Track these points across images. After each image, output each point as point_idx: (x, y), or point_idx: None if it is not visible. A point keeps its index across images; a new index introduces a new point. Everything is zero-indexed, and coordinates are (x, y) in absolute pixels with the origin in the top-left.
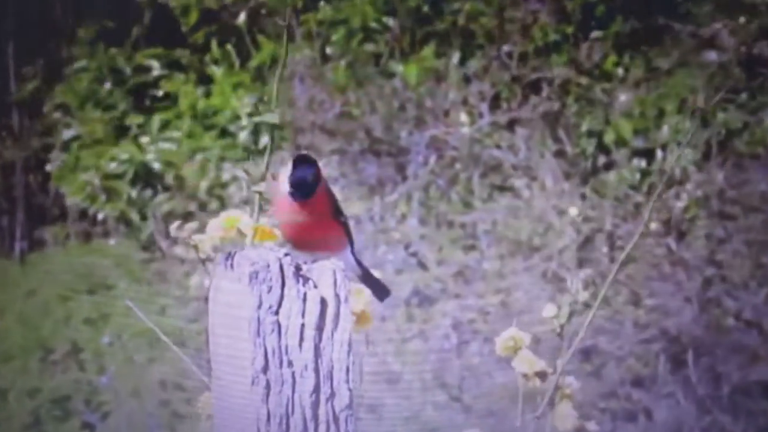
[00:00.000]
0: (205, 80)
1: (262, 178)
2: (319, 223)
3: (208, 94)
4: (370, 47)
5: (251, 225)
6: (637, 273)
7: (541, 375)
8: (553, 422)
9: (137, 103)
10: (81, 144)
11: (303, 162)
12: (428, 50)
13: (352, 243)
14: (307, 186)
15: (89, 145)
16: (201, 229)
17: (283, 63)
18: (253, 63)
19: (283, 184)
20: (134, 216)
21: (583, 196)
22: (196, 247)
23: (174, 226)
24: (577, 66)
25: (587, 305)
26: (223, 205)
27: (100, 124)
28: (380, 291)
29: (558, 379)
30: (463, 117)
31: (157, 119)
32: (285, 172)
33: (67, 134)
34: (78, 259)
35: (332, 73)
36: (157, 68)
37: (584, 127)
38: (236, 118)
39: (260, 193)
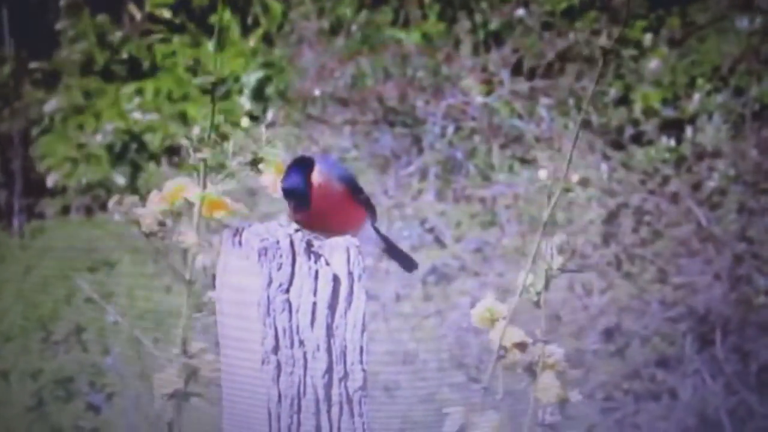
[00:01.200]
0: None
1: (207, 144)
2: (334, 211)
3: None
4: (378, 16)
5: (199, 194)
6: (665, 249)
7: (521, 346)
8: (535, 393)
9: (131, 71)
10: (64, 116)
11: (293, 168)
12: (433, 13)
13: (374, 217)
14: (296, 196)
15: (73, 116)
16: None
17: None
18: (258, 31)
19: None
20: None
21: (611, 169)
22: (137, 223)
23: (113, 200)
24: (604, 30)
25: (562, 270)
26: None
27: (87, 93)
28: (407, 263)
29: (539, 349)
30: (482, 85)
31: (150, 87)
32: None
33: (49, 106)
34: (79, 234)
35: (343, 39)
36: (160, 30)
37: (611, 96)
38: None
39: (205, 160)
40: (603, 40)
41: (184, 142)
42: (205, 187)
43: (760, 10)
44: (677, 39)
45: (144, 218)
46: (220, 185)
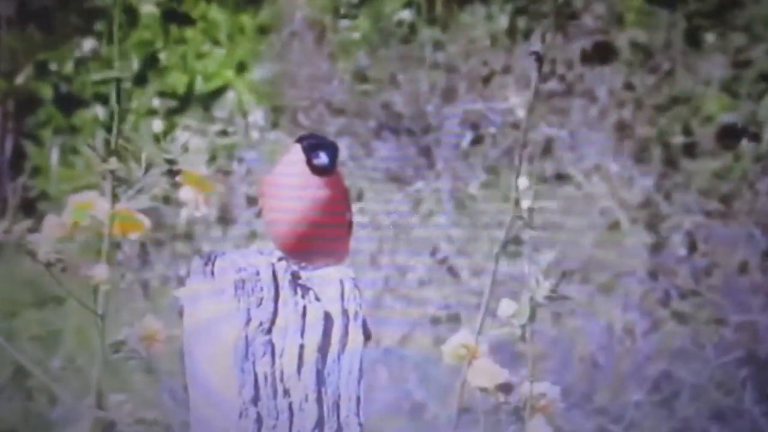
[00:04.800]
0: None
1: (111, 154)
2: (332, 213)
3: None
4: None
5: (108, 211)
6: (722, 282)
7: (505, 388)
8: None
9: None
10: None
11: (329, 142)
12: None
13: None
14: (333, 151)
15: None
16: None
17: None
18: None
19: (294, 158)
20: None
21: (658, 187)
22: (31, 254)
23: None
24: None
25: (551, 298)
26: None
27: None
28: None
29: (526, 390)
30: (508, 86)
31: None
32: (290, 154)
33: None
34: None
35: (344, 33)
36: None
37: (660, 100)
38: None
39: (112, 172)
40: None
41: (86, 150)
42: (115, 202)
43: None
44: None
45: (40, 245)
46: (133, 201)
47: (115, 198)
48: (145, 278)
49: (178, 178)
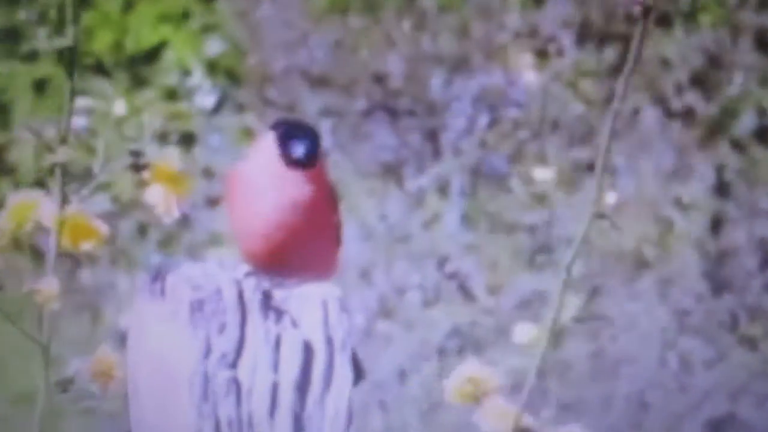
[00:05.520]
0: None
1: (62, 140)
2: (314, 217)
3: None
4: None
5: (55, 215)
6: None
7: None
8: None
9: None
10: None
11: (309, 128)
12: None
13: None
14: (312, 140)
15: None
16: None
17: None
18: None
19: (265, 148)
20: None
21: (720, 184)
22: None
23: None
24: None
25: (580, 321)
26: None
27: None
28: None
29: None
30: (531, 56)
31: None
32: (261, 143)
33: None
34: None
35: None
36: None
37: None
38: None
39: (63, 165)
40: None
41: (25, 136)
42: (65, 204)
43: None
44: None
45: None
46: (85, 203)
47: (65, 199)
48: (96, 299)
49: (144, 174)
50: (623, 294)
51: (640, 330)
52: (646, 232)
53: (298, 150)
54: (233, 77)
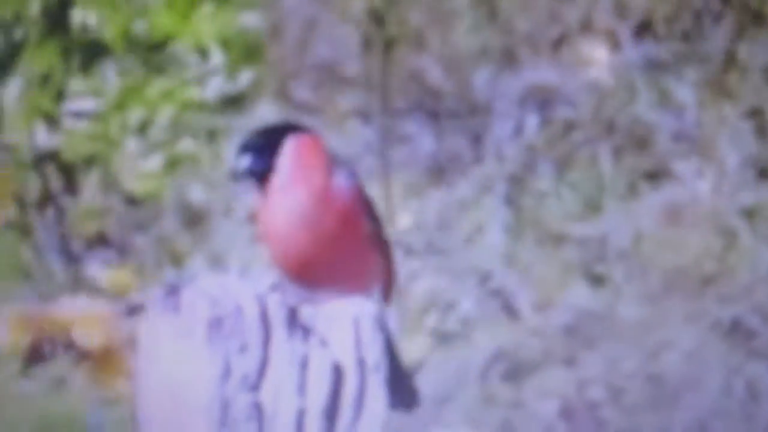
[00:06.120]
0: None
1: None
2: (342, 226)
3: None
4: None
5: None
6: None
7: None
8: None
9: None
10: None
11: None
12: None
13: (389, 278)
14: (258, 151)
15: None
16: None
17: None
18: None
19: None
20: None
21: None
22: None
23: None
24: None
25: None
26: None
27: None
28: (403, 392)
29: None
30: (590, 50)
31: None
32: (286, 148)
33: None
34: None
35: None
36: None
37: None
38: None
39: None
40: None
41: None
42: None
43: None
44: None
45: None
46: None
47: None
48: None
49: None
50: (683, 313)
51: (702, 353)
52: (708, 246)
53: (237, 163)
54: (255, 60)
